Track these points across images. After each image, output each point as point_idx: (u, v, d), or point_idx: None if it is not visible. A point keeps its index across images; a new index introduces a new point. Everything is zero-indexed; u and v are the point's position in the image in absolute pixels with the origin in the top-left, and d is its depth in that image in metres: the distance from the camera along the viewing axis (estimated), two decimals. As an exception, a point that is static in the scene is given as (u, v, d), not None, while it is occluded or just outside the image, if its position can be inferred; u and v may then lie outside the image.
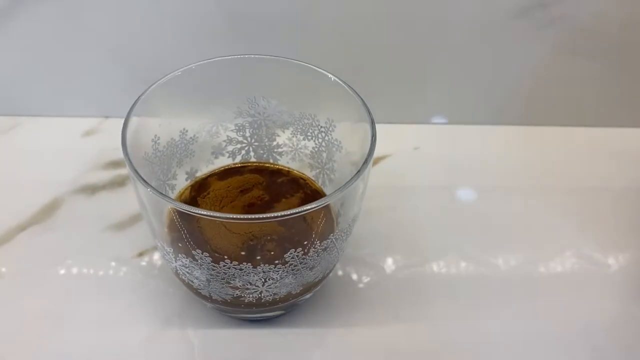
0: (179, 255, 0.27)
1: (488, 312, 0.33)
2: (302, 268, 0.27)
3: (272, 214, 0.24)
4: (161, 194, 0.25)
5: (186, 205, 0.24)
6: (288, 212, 0.24)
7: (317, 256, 0.27)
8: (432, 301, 0.34)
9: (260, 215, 0.24)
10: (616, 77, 0.44)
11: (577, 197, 0.41)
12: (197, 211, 0.24)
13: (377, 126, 0.28)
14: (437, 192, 0.41)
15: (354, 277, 0.35)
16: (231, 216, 0.24)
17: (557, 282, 0.35)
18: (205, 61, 0.30)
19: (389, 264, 0.36)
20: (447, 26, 0.40)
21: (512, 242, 0.37)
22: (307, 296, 0.31)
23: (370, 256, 0.36)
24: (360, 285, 0.34)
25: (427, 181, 0.41)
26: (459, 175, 0.42)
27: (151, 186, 0.25)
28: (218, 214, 0.24)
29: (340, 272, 0.35)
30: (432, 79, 0.44)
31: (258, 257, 0.26)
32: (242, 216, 0.24)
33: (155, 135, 0.30)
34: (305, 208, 0.24)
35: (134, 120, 0.28)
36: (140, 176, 0.25)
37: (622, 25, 0.40)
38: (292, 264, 0.26)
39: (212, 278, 0.27)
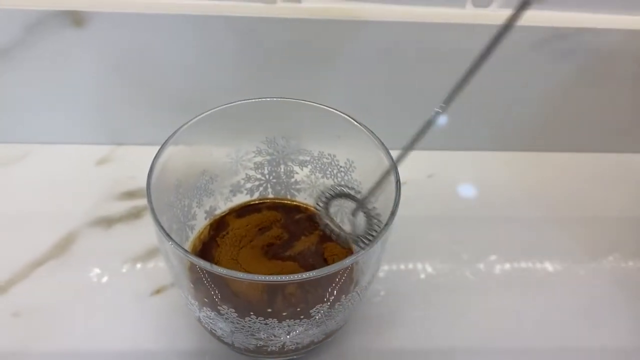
0: (204, 307, 0.27)
1: (508, 336, 0.34)
2: (327, 320, 0.27)
3: (298, 275, 0.24)
4: (185, 251, 0.25)
5: (208, 264, 0.24)
6: (313, 273, 0.24)
7: (342, 307, 0.27)
8: (452, 330, 0.34)
9: (287, 277, 0.24)
10: (631, 105, 0.43)
11: (592, 224, 0.41)
12: (223, 272, 0.24)
13: (391, 153, 0.29)
14: (452, 221, 0.41)
15: (372, 313, 0.35)
16: (258, 277, 0.24)
17: (573, 309, 0.36)
18: (227, 105, 0.30)
19: (407, 292, 0.36)
20: (463, 56, 0.40)
21: (528, 264, 0.38)
22: (328, 340, 0.31)
23: (387, 285, 0.36)
24: (379, 322, 0.34)
25: (442, 210, 0.41)
26: (474, 202, 0.42)
27: (175, 242, 0.25)
28: (244, 275, 0.24)
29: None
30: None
31: (284, 314, 0.26)
32: (269, 278, 0.24)
33: (177, 178, 0.30)
34: (332, 269, 0.24)
35: (158, 168, 0.28)
36: (167, 233, 0.25)
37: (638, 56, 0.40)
38: (316, 318, 0.26)
39: (237, 330, 0.27)
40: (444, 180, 0.44)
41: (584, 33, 0.39)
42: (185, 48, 0.39)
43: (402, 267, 0.37)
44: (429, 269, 0.37)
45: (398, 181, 0.28)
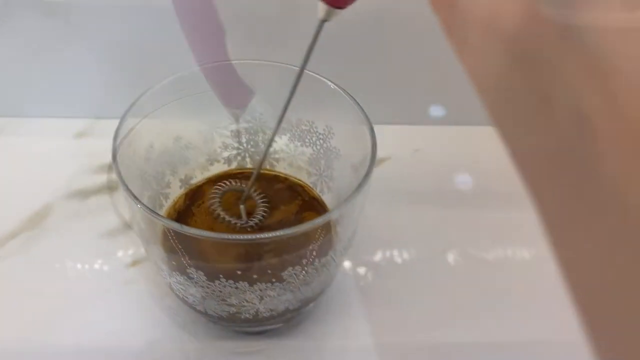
0: (173, 272, 0.26)
1: (496, 318, 0.33)
2: (301, 285, 0.26)
3: (270, 234, 0.23)
4: (154, 212, 0.24)
5: (178, 224, 0.23)
6: (288, 230, 0.23)
7: (316, 272, 0.26)
8: (436, 309, 0.33)
9: (258, 236, 0.23)
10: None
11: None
12: (192, 232, 0.23)
13: (375, 127, 0.28)
14: (438, 197, 0.40)
15: (354, 285, 0.34)
16: (229, 237, 0.23)
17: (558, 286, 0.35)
18: (200, 67, 0.29)
19: (390, 271, 0.35)
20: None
21: (517, 245, 0.37)
22: (306, 309, 0.30)
23: (371, 263, 0.35)
24: (361, 293, 0.34)
25: (428, 185, 0.41)
26: (460, 178, 0.41)
27: (143, 204, 0.24)
28: (215, 235, 0.23)
29: (339, 281, 0.34)
30: (433, 78, 0.43)
31: (255, 276, 0.25)
32: (240, 237, 0.23)
33: (149, 144, 0.29)
34: (305, 226, 0.23)
35: (125, 129, 0.27)
36: (133, 194, 0.24)
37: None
38: (289, 282, 0.26)
39: (208, 296, 0.26)
40: (430, 155, 0.43)
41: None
42: (164, 19, 0.38)
43: (387, 248, 0.36)
44: (413, 250, 0.36)
45: (374, 141, 0.27)
